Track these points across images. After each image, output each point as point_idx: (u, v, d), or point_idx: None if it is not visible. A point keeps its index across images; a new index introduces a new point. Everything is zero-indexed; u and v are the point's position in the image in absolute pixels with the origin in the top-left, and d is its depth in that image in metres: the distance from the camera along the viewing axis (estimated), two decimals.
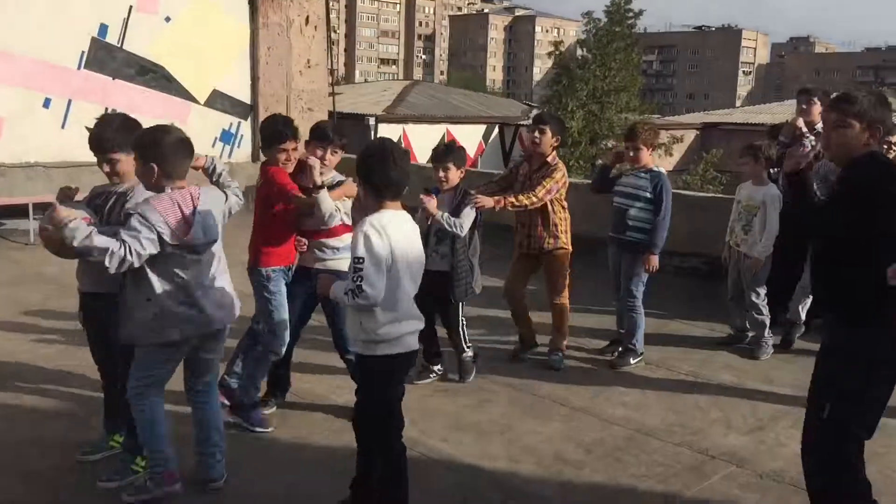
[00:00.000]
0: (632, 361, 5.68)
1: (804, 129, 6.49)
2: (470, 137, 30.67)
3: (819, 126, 6.57)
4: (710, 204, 7.97)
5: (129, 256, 3.36)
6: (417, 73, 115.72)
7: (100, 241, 3.37)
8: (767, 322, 5.96)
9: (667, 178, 5.60)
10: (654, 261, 5.51)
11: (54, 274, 7.78)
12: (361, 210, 3.38)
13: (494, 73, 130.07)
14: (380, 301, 3.20)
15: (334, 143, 4.49)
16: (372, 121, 25.92)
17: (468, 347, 5.31)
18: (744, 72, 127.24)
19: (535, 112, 36.00)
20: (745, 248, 5.96)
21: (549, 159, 5.47)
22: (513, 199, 5.30)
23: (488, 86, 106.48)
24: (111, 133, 3.84)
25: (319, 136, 4.53)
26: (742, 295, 6.07)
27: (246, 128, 11.29)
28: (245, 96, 11.19)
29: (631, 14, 30.07)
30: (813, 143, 6.37)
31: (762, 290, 5.95)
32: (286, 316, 4.47)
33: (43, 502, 3.78)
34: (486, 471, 4.12)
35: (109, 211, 3.83)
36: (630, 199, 5.55)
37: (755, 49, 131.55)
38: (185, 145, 3.60)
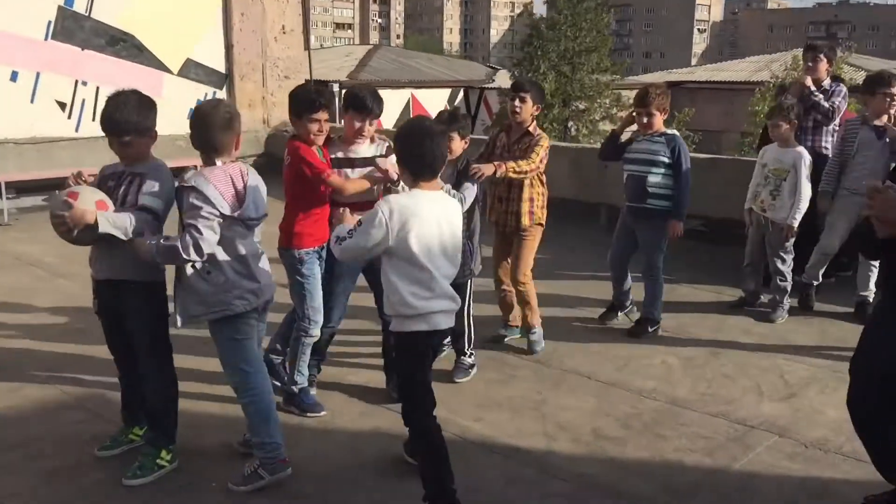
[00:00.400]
0: (650, 330, 5.59)
1: (812, 88, 6.41)
2: (435, 102, 30.41)
3: (826, 83, 6.49)
4: (709, 165, 7.88)
5: (204, 247, 3.35)
6: (374, 38, 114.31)
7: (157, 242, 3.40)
8: (789, 288, 5.91)
9: (683, 141, 5.46)
10: (680, 227, 5.39)
11: (35, 255, 7.49)
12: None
13: (451, 35, 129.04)
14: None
15: (373, 113, 4.23)
16: (336, 87, 25.50)
17: (468, 352, 4.90)
18: (699, 30, 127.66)
19: (499, 74, 35.95)
20: (773, 214, 5.83)
21: (530, 129, 5.06)
22: (513, 165, 4.90)
23: (445, 49, 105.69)
24: (127, 114, 3.57)
25: (358, 105, 4.21)
26: (760, 261, 5.99)
27: (221, 97, 10.92)
28: (220, 65, 10.84)
29: None
30: (823, 101, 6.28)
31: (789, 257, 5.87)
32: (319, 299, 4.26)
33: (70, 502, 3.57)
34: (523, 450, 4.00)
35: (125, 194, 3.59)
36: (647, 166, 5.37)
37: (709, 6, 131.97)
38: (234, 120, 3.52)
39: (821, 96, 6.27)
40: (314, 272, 4.20)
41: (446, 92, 32.31)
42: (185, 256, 3.35)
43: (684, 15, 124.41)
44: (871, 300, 5.84)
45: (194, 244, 3.34)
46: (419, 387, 3.33)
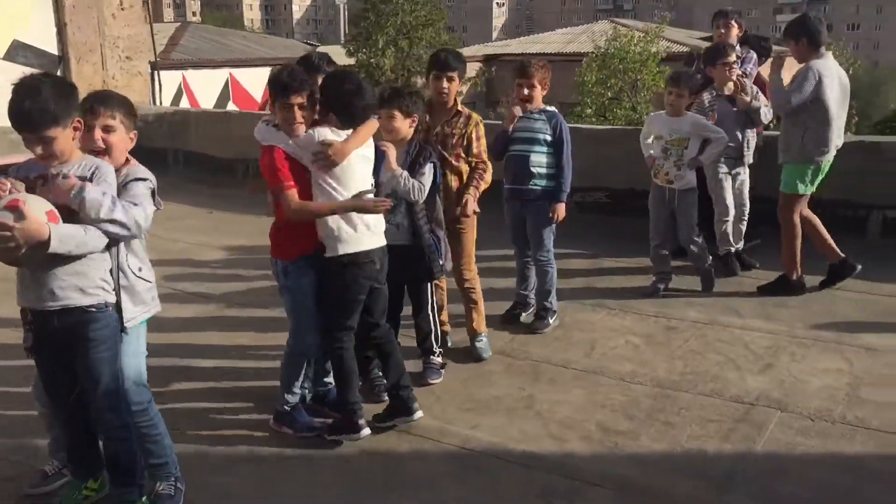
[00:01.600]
0: (551, 321, 5.19)
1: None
2: (257, 82, 29.21)
3: (739, 49, 6.54)
4: (608, 136, 7.86)
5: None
6: (168, 15, 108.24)
7: None
8: (707, 253, 5.87)
9: (563, 118, 5.15)
10: (562, 209, 5.01)
11: None
12: None
13: (252, 12, 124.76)
14: None
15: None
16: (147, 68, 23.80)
17: (437, 352, 4.53)
18: (497, 4, 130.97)
19: (320, 51, 34.99)
20: (679, 184, 5.72)
21: (458, 107, 4.62)
22: (474, 192, 4.59)
23: (247, 26, 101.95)
24: (43, 102, 2.87)
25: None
26: (668, 239, 5.84)
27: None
28: (52, 46, 9.61)
29: None
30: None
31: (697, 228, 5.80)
32: (309, 315, 3.73)
33: None
34: (539, 456, 3.70)
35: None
36: (528, 144, 4.97)
37: None
38: None
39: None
40: (300, 285, 3.66)
41: (267, 71, 31.12)
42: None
43: None
44: None
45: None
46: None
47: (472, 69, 32.67)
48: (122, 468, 3.13)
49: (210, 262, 6.80)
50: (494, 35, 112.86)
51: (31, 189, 2.93)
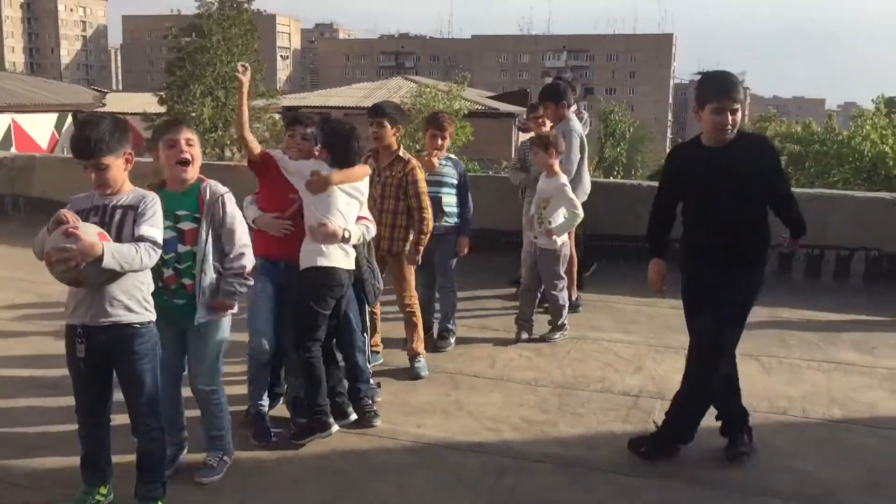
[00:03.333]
0: (452, 341, 5.90)
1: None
2: (41, 128, 27.90)
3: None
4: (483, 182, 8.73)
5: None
6: None
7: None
8: (566, 311, 6.25)
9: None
10: (467, 242, 5.82)
11: None
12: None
13: (14, 54, 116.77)
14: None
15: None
16: None
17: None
18: (282, 56, 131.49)
19: (109, 97, 33.81)
20: (541, 241, 6.03)
21: (399, 153, 5.21)
22: (423, 235, 5.23)
23: (9, 69, 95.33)
24: (100, 135, 3.29)
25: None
26: (536, 287, 6.21)
27: None
28: None
29: None
30: None
31: (562, 282, 6.12)
32: (263, 321, 4.26)
33: None
34: (486, 444, 4.40)
35: (120, 225, 3.32)
36: (439, 187, 5.66)
37: (289, 34, 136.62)
38: None
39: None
40: (257, 288, 4.19)
41: (53, 116, 29.68)
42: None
43: (266, 42, 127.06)
44: None
45: None
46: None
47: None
48: (151, 466, 3.48)
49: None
50: (279, 87, 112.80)
51: (85, 218, 3.29)
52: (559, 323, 6.18)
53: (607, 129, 43.22)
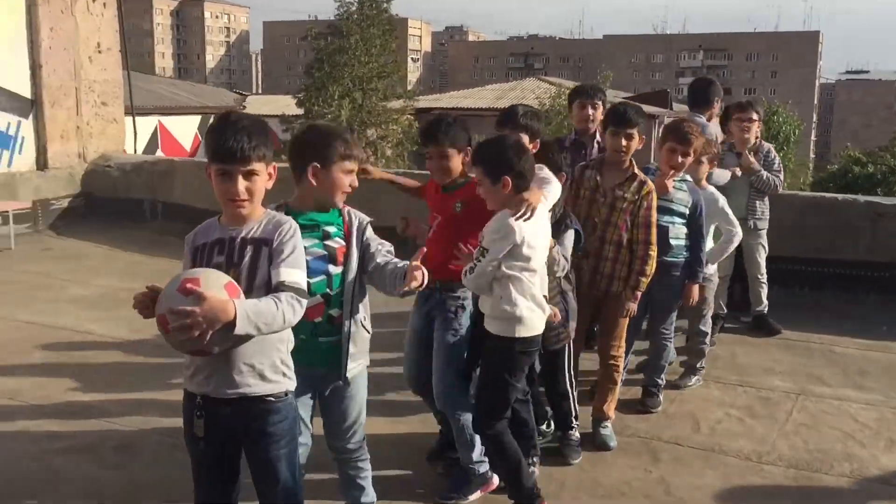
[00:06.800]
0: (661, 399, 4.81)
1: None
2: (185, 129, 28.50)
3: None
4: None
5: None
6: None
7: None
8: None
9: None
10: (696, 290, 4.70)
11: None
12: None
13: (164, 60, 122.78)
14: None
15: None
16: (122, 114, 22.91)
17: (574, 425, 4.18)
18: (412, 59, 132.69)
19: (249, 100, 34.37)
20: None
21: (635, 171, 4.18)
22: (644, 278, 4.23)
23: (158, 73, 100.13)
24: (251, 137, 2.46)
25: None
26: None
27: (28, 128, 8.97)
28: (24, 89, 8.88)
29: None
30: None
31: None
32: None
33: None
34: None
35: (252, 267, 2.47)
36: (668, 216, 4.50)
37: (420, 37, 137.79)
38: None
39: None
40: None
41: (196, 119, 30.37)
42: None
43: (398, 45, 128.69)
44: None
45: None
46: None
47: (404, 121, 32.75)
48: None
49: None
50: (410, 89, 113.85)
51: (208, 256, 2.47)
52: (698, 365, 5.14)
53: (770, 131, 39.94)
